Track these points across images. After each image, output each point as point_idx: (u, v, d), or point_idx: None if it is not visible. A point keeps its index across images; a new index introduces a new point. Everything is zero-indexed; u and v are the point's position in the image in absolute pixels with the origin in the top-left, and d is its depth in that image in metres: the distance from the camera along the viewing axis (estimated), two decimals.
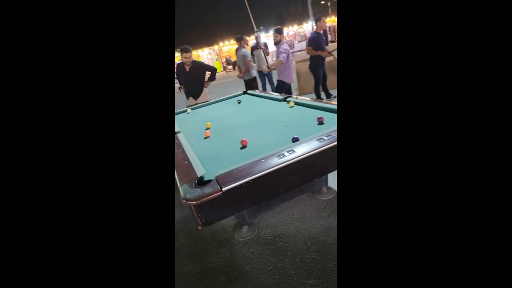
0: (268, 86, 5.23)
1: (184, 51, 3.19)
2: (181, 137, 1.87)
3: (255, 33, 4.99)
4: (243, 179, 1.10)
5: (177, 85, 3.30)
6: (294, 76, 4.14)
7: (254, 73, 4.56)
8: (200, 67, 3.47)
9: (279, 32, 3.59)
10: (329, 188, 1.98)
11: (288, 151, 1.24)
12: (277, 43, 3.60)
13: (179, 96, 3.61)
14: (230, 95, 3.34)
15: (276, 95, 2.70)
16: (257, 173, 1.12)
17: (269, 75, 5.11)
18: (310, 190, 1.95)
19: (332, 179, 1.99)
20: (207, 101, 3.46)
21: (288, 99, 2.33)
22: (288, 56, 3.59)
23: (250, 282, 1.35)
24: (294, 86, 5.77)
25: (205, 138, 1.85)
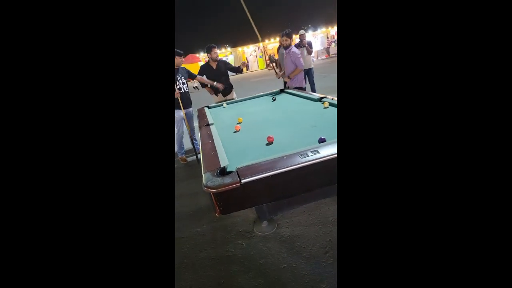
0: (307, 86, 5.14)
1: (212, 48, 3.37)
2: (213, 129, 1.96)
3: (300, 31, 4.93)
4: (262, 174, 1.12)
5: (192, 84, 3.43)
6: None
7: None
8: (225, 64, 3.62)
9: (289, 36, 3.46)
10: None
11: (312, 151, 1.23)
12: (287, 47, 3.47)
13: (199, 94, 3.74)
14: (267, 92, 3.37)
15: (313, 94, 2.65)
16: (277, 170, 1.14)
17: (310, 74, 5.01)
18: (332, 195, 1.90)
19: None
20: (233, 98, 3.54)
21: (324, 99, 2.28)
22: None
23: (262, 276, 1.38)
24: (332, 89, 5.59)
25: (235, 132, 1.91)
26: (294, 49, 3.48)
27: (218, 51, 3.43)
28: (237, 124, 2.05)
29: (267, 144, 1.53)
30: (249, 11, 3.54)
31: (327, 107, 2.12)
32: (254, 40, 17.40)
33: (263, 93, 3.37)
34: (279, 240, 1.62)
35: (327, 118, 1.85)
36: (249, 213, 1.90)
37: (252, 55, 18.15)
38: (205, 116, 2.52)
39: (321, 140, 1.37)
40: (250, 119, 2.24)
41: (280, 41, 3.71)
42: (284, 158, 1.21)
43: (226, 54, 18.47)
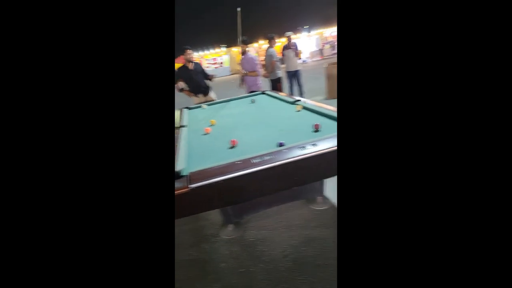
0: (295, 88, 5.15)
1: (185, 50, 3.40)
2: (183, 132, 1.95)
3: (286, 32, 4.94)
4: (213, 179, 1.12)
5: (177, 85, 3.45)
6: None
7: (280, 73, 4.52)
8: (200, 66, 3.65)
9: (245, 43, 3.66)
10: (325, 199, 1.90)
11: (268, 156, 1.22)
12: (243, 53, 3.65)
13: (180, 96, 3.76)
14: (249, 94, 3.37)
15: (289, 97, 2.66)
16: (229, 174, 1.13)
17: (297, 76, 5.02)
18: (302, 198, 1.90)
19: (331, 189, 1.91)
20: (213, 99, 3.55)
21: (297, 102, 2.28)
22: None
23: (220, 280, 1.38)
24: (322, 90, 5.60)
25: (204, 134, 1.91)
26: (249, 55, 3.69)
27: (191, 51, 3.48)
28: (209, 126, 2.04)
29: (229, 148, 1.52)
30: (245, 11, 3.58)
31: (299, 111, 2.12)
32: (250, 41, 17.42)
33: (245, 95, 3.37)
34: (243, 244, 1.62)
35: (296, 121, 1.86)
36: (219, 216, 1.90)
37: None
38: (181, 118, 2.51)
39: (280, 145, 1.37)
40: (224, 121, 2.24)
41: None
42: (238, 162, 1.21)
43: (220, 54, 18.46)
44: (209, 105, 3.14)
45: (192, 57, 3.49)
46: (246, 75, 3.72)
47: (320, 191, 1.88)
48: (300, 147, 1.25)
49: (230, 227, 1.75)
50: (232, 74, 16.67)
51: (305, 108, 2.13)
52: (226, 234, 1.72)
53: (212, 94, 3.70)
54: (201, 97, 3.58)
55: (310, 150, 1.22)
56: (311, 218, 1.75)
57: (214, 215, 1.89)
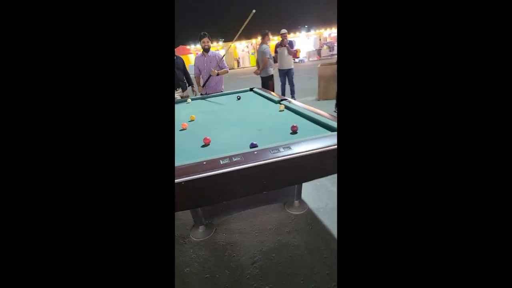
0: (287, 87, 5.08)
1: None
2: None
3: (282, 30, 4.85)
4: (176, 179, 1.04)
5: None
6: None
7: (271, 71, 4.44)
8: (181, 61, 3.50)
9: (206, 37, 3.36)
10: (302, 203, 1.84)
11: (237, 157, 1.15)
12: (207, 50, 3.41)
13: None
14: (237, 90, 3.28)
15: (275, 96, 2.58)
16: (192, 175, 1.06)
17: (289, 75, 4.95)
18: (279, 201, 1.84)
19: (309, 193, 1.85)
20: (189, 95, 3.42)
21: (282, 102, 2.21)
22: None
23: (182, 286, 1.30)
24: (314, 91, 5.54)
25: (180, 130, 1.82)
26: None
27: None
28: (187, 122, 1.95)
29: (202, 146, 1.44)
30: (244, 6, 3.45)
31: (282, 110, 2.05)
32: (247, 35, 17.26)
33: (233, 91, 3.28)
34: (212, 248, 1.54)
35: (276, 122, 1.78)
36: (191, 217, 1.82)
37: (244, 51, 17.98)
38: None
39: (252, 146, 1.30)
40: (204, 117, 2.15)
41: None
42: (204, 163, 1.13)
43: (217, 48, 18.23)
44: (193, 99, 3.05)
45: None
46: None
47: (297, 195, 1.81)
48: (273, 150, 1.18)
49: (201, 229, 1.67)
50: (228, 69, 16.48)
51: (288, 108, 2.07)
52: (196, 236, 1.65)
53: (190, 90, 3.59)
54: (179, 92, 3.46)
55: (282, 153, 1.15)
56: (286, 223, 1.68)
57: (186, 216, 1.81)
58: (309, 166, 1.22)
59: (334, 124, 1.41)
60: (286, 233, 1.58)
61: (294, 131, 1.51)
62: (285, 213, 1.78)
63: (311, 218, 1.69)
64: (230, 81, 9.83)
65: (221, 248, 1.53)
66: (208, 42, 3.20)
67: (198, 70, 3.37)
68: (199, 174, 1.06)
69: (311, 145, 1.20)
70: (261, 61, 4.31)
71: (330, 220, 1.66)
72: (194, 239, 1.63)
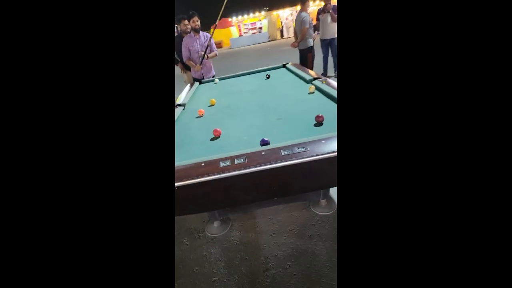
0: (330, 59, 4.55)
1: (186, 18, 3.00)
2: (176, 113, 1.75)
3: None
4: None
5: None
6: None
7: (311, 42, 3.97)
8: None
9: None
10: (331, 201, 1.61)
11: (238, 159, 0.97)
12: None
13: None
14: (270, 67, 3.00)
15: (308, 74, 2.25)
16: (185, 181, 0.92)
17: (333, 45, 4.40)
18: (302, 200, 1.63)
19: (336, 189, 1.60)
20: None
21: (314, 82, 1.90)
22: None
23: (188, 287, 1.24)
24: None
25: (197, 117, 1.68)
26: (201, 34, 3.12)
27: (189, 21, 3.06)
28: (205, 107, 1.81)
29: (211, 139, 1.29)
30: None
31: (312, 92, 1.76)
32: (291, 2, 15.96)
33: (265, 68, 3.01)
34: (224, 246, 1.44)
35: (303, 108, 1.52)
36: None
37: (288, 20, 16.79)
38: (187, 94, 2.31)
39: (263, 143, 1.09)
40: (224, 101, 1.98)
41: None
42: (202, 164, 0.98)
43: (259, 18, 17.40)
44: (221, 79, 2.87)
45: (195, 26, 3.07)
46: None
47: (324, 192, 1.58)
48: (286, 149, 0.96)
49: (216, 224, 1.58)
50: (270, 40, 15.72)
51: (319, 90, 1.76)
52: (210, 232, 1.56)
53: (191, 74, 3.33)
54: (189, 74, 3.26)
55: (296, 156, 0.93)
56: (308, 225, 1.48)
57: None
58: (328, 172, 0.98)
59: None
60: (307, 238, 1.40)
61: (319, 122, 1.25)
62: (309, 213, 1.57)
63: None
64: (270, 54, 9.31)
65: (234, 247, 1.42)
66: (198, 21, 3.00)
67: (188, 52, 3.13)
68: (194, 179, 0.91)
69: (334, 145, 0.95)
70: (300, 31, 3.86)
71: None
72: (209, 234, 1.55)
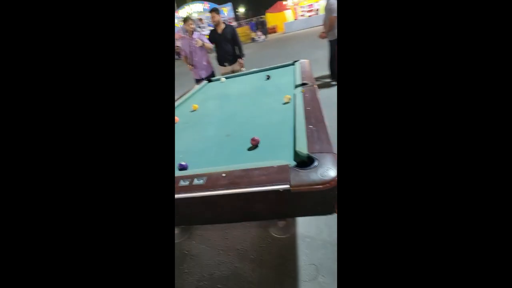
0: None
1: (210, 11, 3.02)
2: None
3: None
4: None
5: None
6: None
7: None
8: (232, 31, 3.14)
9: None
10: (290, 224, 1.49)
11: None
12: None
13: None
14: (283, 64, 2.82)
15: (302, 78, 2.04)
16: None
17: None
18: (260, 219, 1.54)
19: None
20: (240, 70, 3.11)
21: (296, 89, 1.73)
22: None
23: None
24: None
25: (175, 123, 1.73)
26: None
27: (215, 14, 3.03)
28: (185, 113, 1.84)
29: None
30: None
31: (287, 102, 1.61)
32: None
33: (278, 65, 2.85)
34: (176, 255, 1.50)
35: (262, 121, 1.42)
36: None
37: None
38: (185, 95, 2.38)
39: (181, 167, 1.07)
40: (206, 107, 1.98)
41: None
42: None
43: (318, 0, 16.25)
44: (227, 78, 2.84)
45: (218, 20, 3.08)
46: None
47: None
48: (185, 180, 0.92)
49: (176, 231, 1.64)
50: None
51: (293, 100, 1.59)
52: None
53: (237, 66, 3.28)
54: (227, 67, 3.25)
55: (192, 189, 0.89)
56: (256, 246, 1.42)
57: None
58: (228, 208, 0.91)
59: (304, 150, 0.97)
60: (248, 261, 1.34)
61: (253, 145, 1.15)
62: (265, 233, 1.50)
63: (289, 249, 1.36)
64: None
65: (181, 258, 1.46)
66: (192, 24, 3.07)
67: (184, 52, 3.21)
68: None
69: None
70: (327, 20, 3.49)
71: (314, 257, 1.28)
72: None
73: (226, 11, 18.68)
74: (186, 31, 3.12)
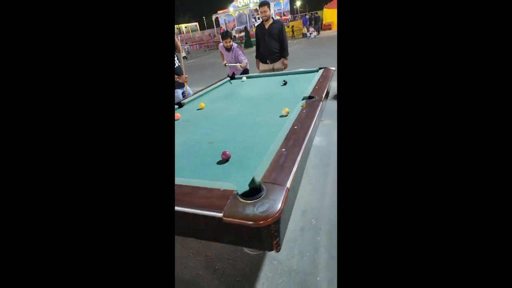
0: None
1: (262, 5, 2.87)
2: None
3: None
4: None
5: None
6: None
7: None
8: (280, 27, 2.97)
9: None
10: None
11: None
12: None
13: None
14: (305, 70, 2.69)
15: (310, 91, 1.91)
16: None
17: None
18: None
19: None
20: (283, 69, 3.00)
21: (300, 102, 1.63)
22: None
23: None
24: None
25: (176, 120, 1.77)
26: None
27: (264, 8, 2.86)
28: (192, 111, 1.88)
29: None
30: None
31: (285, 116, 1.54)
32: None
33: (301, 70, 2.73)
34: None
35: (250, 133, 1.38)
36: None
37: None
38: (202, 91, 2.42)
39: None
40: (213, 107, 1.99)
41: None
42: None
43: None
44: (248, 77, 2.80)
45: (264, 12, 2.90)
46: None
47: None
48: None
49: None
50: None
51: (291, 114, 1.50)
52: None
53: (280, 63, 3.11)
54: (269, 65, 3.11)
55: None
56: (224, 257, 1.40)
57: None
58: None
59: (258, 178, 0.92)
60: (211, 271, 1.34)
61: (223, 159, 1.12)
62: (237, 248, 1.47)
63: (253, 269, 1.32)
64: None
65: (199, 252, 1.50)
66: (230, 42, 3.05)
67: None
68: None
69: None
70: None
71: (273, 284, 1.23)
72: None
73: (283, 2, 18.30)
74: (225, 48, 3.11)
